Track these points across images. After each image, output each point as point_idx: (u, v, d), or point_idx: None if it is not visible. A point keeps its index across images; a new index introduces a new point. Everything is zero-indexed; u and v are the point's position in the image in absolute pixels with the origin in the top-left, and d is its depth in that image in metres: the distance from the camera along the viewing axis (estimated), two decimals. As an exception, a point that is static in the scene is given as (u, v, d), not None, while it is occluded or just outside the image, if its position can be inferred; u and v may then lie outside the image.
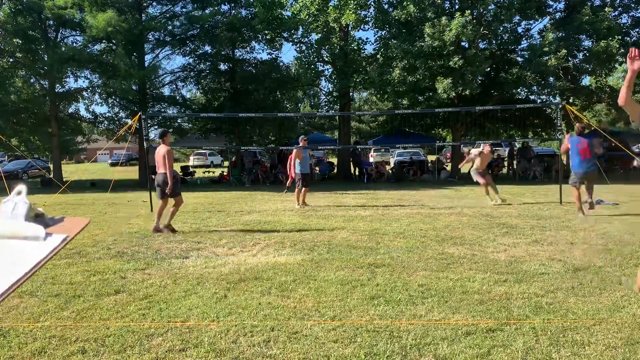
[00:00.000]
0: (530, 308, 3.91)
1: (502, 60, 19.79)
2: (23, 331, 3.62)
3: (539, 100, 20.39)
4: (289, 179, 12.22)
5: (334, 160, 28.02)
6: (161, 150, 8.00)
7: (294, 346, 3.27)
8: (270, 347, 3.28)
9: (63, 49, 19.22)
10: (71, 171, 31.95)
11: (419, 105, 20.74)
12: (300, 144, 11.73)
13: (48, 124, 22.18)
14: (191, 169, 29.01)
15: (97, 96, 22.84)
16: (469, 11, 17.65)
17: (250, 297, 4.33)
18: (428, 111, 19.28)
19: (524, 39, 20.39)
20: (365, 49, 22.39)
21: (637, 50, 3.14)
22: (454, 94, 17.93)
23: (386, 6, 20.20)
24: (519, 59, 19.79)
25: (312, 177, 12.38)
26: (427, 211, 9.97)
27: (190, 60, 23.96)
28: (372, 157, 34.11)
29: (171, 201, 8.13)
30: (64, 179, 19.84)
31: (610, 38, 17.22)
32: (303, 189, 11.36)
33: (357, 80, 22.02)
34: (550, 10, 20.41)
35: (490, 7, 18.15)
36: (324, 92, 26.18)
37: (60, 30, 21.53)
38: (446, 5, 19.32)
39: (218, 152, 45.00)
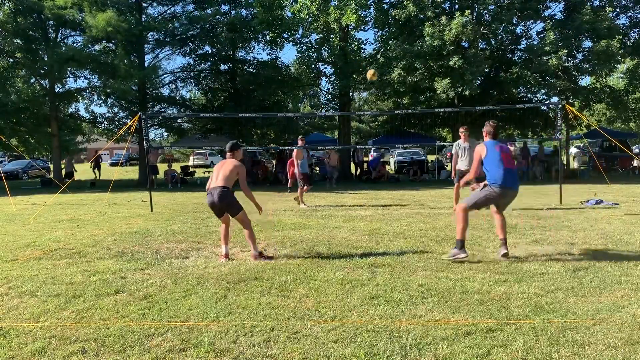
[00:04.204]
0: (530, 308, 3.91)
1: (502, 60, 19.80)
2: (23, 331, 3.62)
3: (534, 99, 20.40)
4: (290, 180, 12.29)
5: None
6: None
7: (294, 346, 3.27)
8: (270, 347, 3.28)
9: (63, 49, 19.22)
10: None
11: (419, 105, 20.75)
12: (299, 144, 11.77)
13: (48, 124, 22.17)
14: (191, 169, 29.02)
15: (96, 96, 22.85)
16: (469, 11, 17.65)
17: (250, 297, 4.33)
18: (428, 111, 19.28)
19: (523, 39, 20.41)
20: (365, 49, 22.42)
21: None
22: (453, 94, 17.93)
23: (386, 6, 20.21)
24: (517, 59, 19.80)
25: (311, 177, 12.41)
26: (427, 211, 9.97)
27: (191, 60, 23.98)
28: (372, 157, 34.09)
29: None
30: (64, 179, 19.84)
31: (610, 38, 17.23)
32: (305, 187, 11.41)
33: (358, 80, 22.03)
34: (548, 13, 20.45)
35: (490, 7, 18.15)
36: (323, 92, 26.19)
37: (60, 30, 21.53)
38: (446, 5, 19.32)
39: (218, 152, 44.97)
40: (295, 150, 11.74)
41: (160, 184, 20.13)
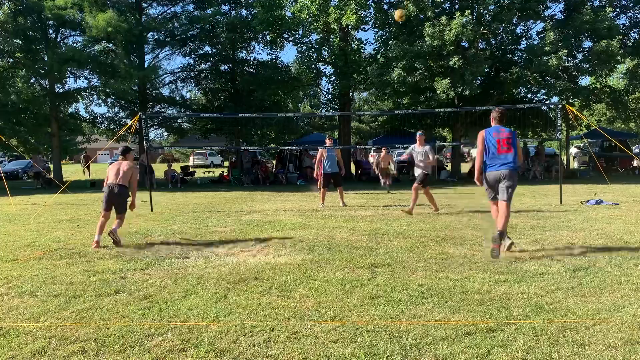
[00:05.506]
0: (530, 308, 3.91)
1: (502, 60, 19.79)
2: (23, 331, 3.62)
3: (535, 99, 20.40)
4: (319, 180, 12.30)
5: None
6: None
7: (294, 346, 3.27)
8: (270, 347, 3.28)
9: (63, 49, 19.23)
10: (71, 171, 31.92)
11: (419, 105, 20.75)
12: (327, 143, 11.58)
13: (48, 124, 22.16)
14: (191, 169, 29.03)
15: (95, 96, 22.84)
16: (469, 11, 17.65)
17: (250, 297, 4.33)
18: (428, 111, 19.29)
19: (523, 39, 20.41)
20: (365, 49, 22.44)
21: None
22: (453, 94, 17.93)
23: (386, 6, 20.21)
24: (517, 59, 19.80)
25: (340, 175, 11.85)
26: (427, 211, 9.97)
27: (191, 60, 24.00)
28: (372, 157, 34.13)
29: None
30: (64, 179, 19.84)
31: (610, 38, 17.24)
32: (338, 188, 11.35)
33: (358, 79, 22.03)
34: (548, 13, 20.45)
35: (490, 7, 18.16)
36: (324, 92, 26.21)
37: (60, 31, 21.53)
38: (446, 5, 19.32)
39: (218, 152, 45.02)
40: (320, 150, 11.55)
41: (160, 184, 20.13)
